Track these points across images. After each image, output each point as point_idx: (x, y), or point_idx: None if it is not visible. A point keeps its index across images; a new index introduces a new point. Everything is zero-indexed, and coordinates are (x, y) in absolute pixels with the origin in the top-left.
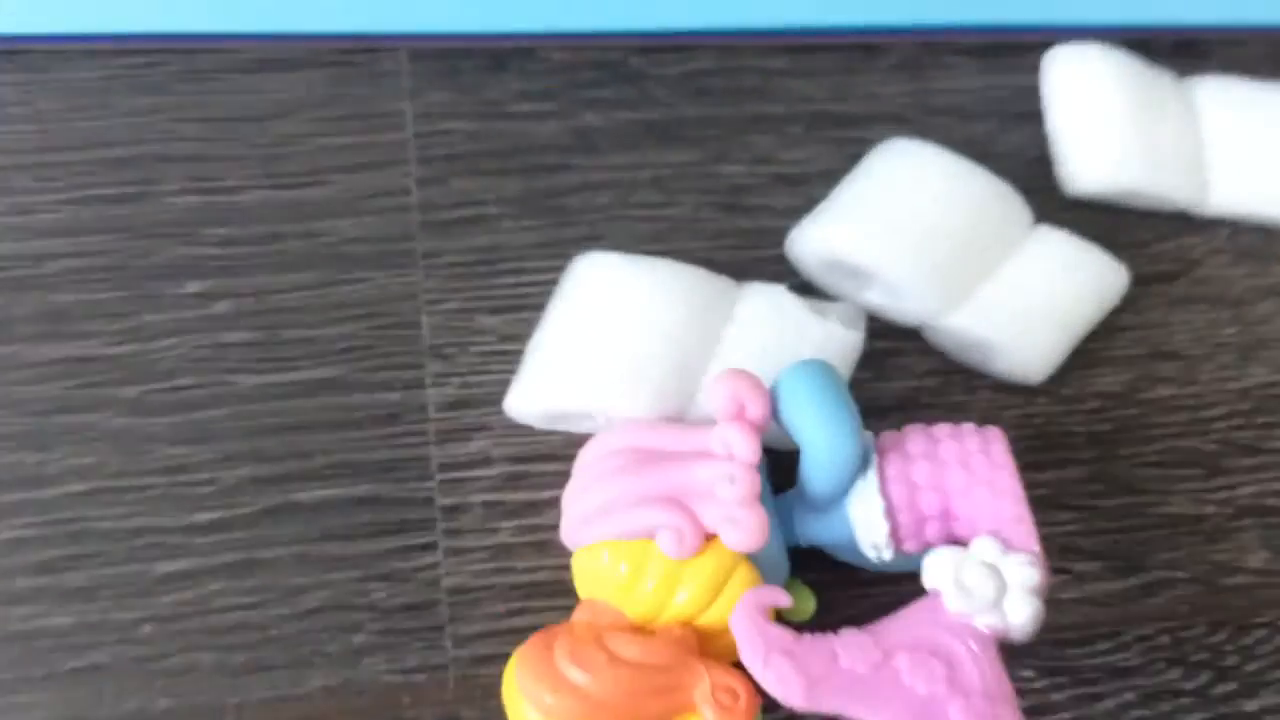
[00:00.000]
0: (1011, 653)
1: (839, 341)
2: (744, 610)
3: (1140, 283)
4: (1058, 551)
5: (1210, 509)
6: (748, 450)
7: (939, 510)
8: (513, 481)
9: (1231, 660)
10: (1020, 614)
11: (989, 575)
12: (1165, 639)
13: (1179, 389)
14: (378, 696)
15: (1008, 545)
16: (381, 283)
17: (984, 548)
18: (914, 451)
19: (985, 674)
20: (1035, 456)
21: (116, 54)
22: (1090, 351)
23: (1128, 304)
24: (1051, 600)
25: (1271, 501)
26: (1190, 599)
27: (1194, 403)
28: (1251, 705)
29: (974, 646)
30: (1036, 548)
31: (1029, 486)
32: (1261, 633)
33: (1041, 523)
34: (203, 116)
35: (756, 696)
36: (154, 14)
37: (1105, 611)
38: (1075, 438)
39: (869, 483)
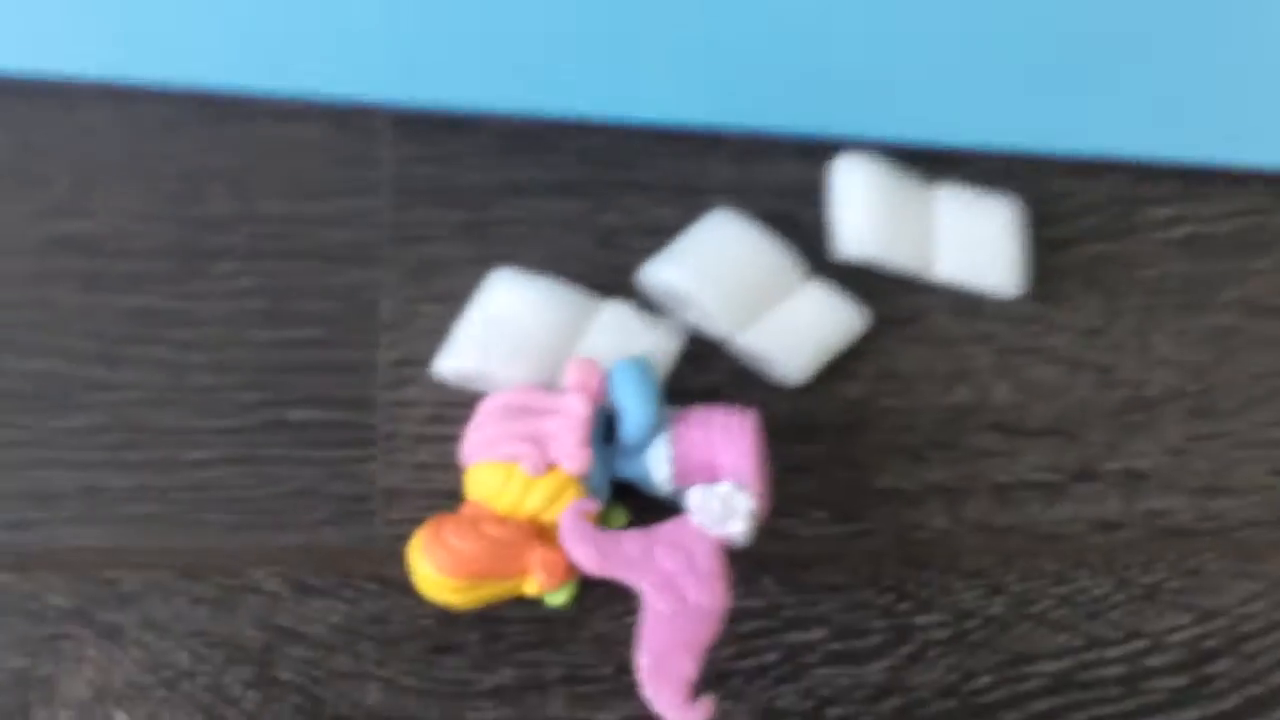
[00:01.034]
0: (758, 566)
1: (663, 344)
2: (568, 512)
3: (882, 322)
4: (797, 503)
5: (910, 485)
6: (583, 410)
7: (705, 462)
8: (438, 421)
9: (910, 588)
10: (736, 530)
11: (721, 503)
12: (868, 568)
13: (899, 400)
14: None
15: (742, 487)
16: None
17: (724, 488)
18: (694, 422)
19: (710, 562)
20: (794, 436)
21: None
22: (842, 367)
23: (871, 337)
24: (791, 535)
25: (954, 484)
26: (888, 547)
27: (909, 409)
28: (922, 619)
29: (706, 545)
30: (758, 490)
31: (787, 458)
32: (932, 572)
33: (790, 483)
34: None
35: (569, 565)
36: None
37: (828, 545)
38: (824, 426)
39: (662, 440)
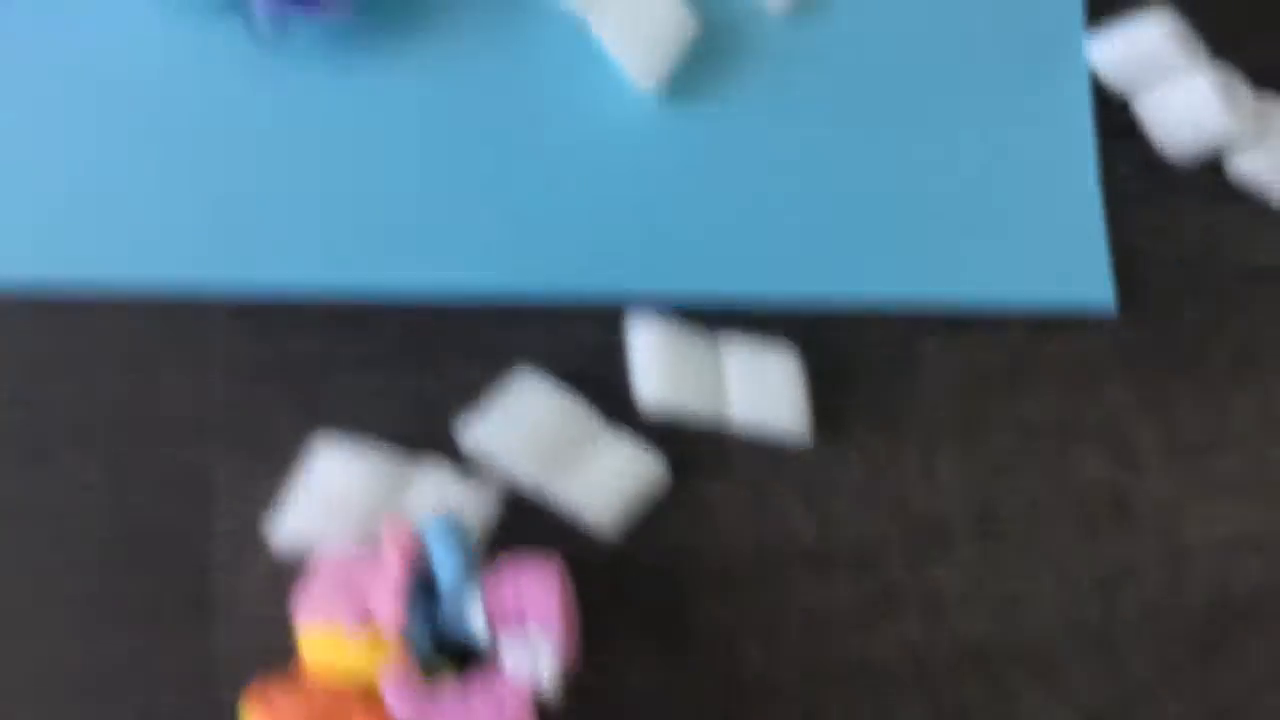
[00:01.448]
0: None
1: (478, 499)
2: (390, 672)
3: (688, 470)
4: (617, 653)
5: (730, 620)
6: (399, 570)
7: (517, 610)
8: (273, 585)
9: None
10: (543, 680)
11: (531, 655)
12: (692, 704)
13: (711, 539)
14: None
15: (549, 639)
16: None
17: (532, 636)
18: (506, 579)
19: (518, 708)
20: (611, 586)
21: None
22: (655, 511)
23: (681, 484)
24: (607, 687)
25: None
26: (714, 684)
27: (721, 553)
28: None
29: (515, 693)
30: (564, 635)
31: (605, 606)
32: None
33: (605, 630)
34: None
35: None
36: None
37: (650, 691)
38: (637, 571)
39: (476, 597)
